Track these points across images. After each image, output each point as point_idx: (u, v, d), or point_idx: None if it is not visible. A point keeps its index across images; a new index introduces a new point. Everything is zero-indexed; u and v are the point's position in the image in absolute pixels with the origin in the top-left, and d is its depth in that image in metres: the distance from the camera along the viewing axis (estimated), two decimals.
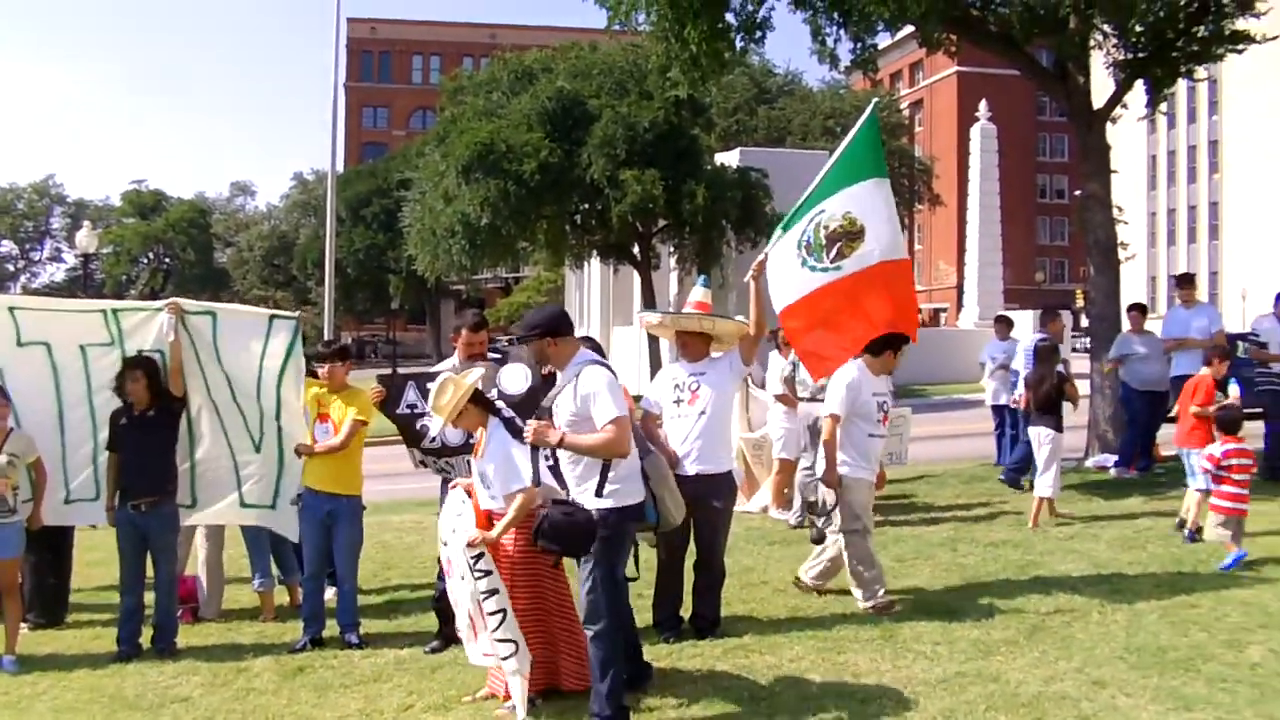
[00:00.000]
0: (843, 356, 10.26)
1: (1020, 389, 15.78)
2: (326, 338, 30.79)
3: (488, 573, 7.09)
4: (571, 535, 6.86)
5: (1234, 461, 10.84)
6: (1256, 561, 10.69)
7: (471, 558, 7.09)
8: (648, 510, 7.55)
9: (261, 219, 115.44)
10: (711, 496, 8.90)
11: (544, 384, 8.52)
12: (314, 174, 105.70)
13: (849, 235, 9.81)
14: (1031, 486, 14.10)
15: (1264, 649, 8.04)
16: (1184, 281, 17.18)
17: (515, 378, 8.36)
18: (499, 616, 7.08)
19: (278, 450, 9.97)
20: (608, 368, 7.26)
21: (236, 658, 9.25)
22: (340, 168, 61.26)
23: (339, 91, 29.62)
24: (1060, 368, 14.00)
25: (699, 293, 9.33)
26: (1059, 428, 13.47)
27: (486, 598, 7.09)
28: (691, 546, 9.09)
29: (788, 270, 9.86)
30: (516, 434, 7.24)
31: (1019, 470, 15.83)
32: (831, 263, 9.80)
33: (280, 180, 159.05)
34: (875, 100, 10.66)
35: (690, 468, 8.81)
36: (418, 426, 9.06)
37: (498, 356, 9.83)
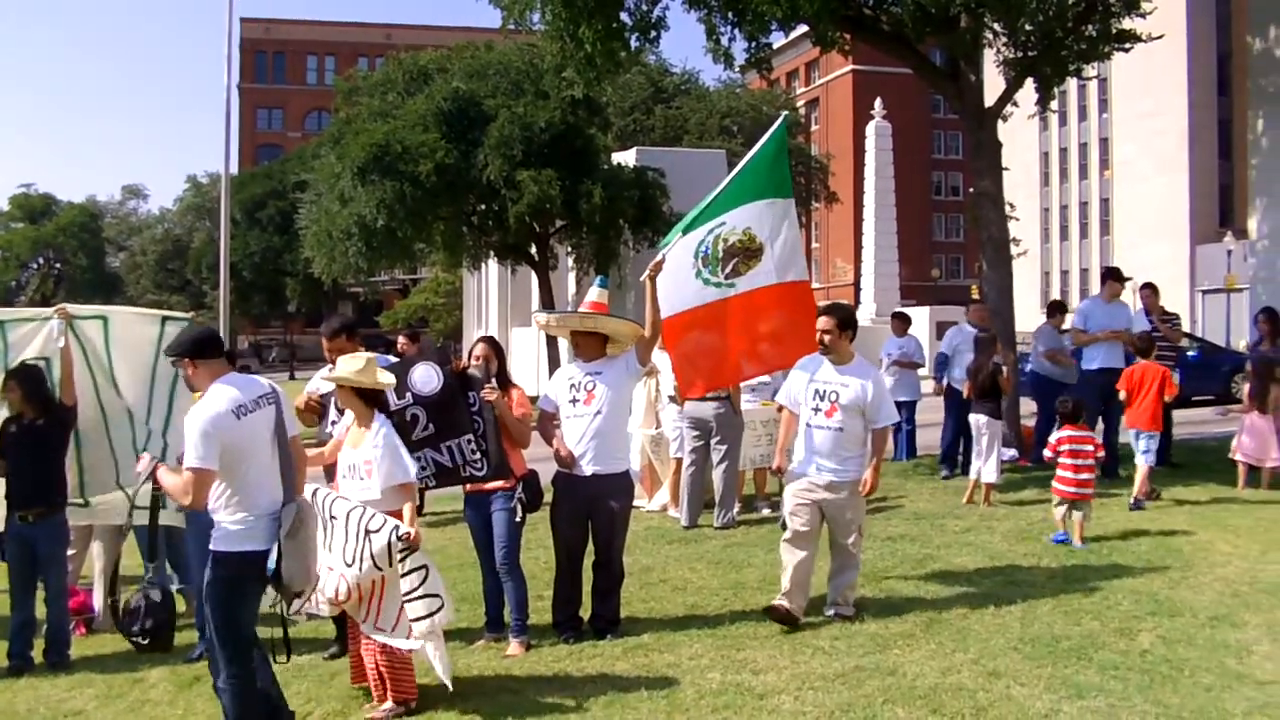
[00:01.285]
0: (715, 378, 10.35)
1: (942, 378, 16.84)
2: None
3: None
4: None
5: (1073, 448, 11.66)
6: (1146, 550, 10.90)
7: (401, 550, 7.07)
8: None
9: (155, 222, 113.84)
10: (608, 496, 8.88)
11: (459, 381, 8.48)
12: (208, 176, 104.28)
13: (746, 252, 9.81)
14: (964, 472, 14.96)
15: (1153, 636, 8.17)
16: (1111, 276, 17.21)
17: (427, 377, 8.32)
18: (420, 574, 7.13)
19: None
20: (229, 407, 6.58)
21: (131, 669, 9.11)
22: (234, 170, 60.63)
23: (232, 93, 29.19)
24: (997, 358, 14.28)
25: (595, 293, 9.30)
26: (998, 414, 13.97)
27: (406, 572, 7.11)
28: (590, 546, 9.06)
29: (681, 278, 9.83)
30: (400, 432, 7.24)
31: (949, 457, 16.46)
32: (725, 279, 9.81)
33: (174, 183, 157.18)
34: (784, 114, 10.70)
35: (587, 468, 8.79)
36: (408, 416, 8.72)
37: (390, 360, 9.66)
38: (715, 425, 13.18)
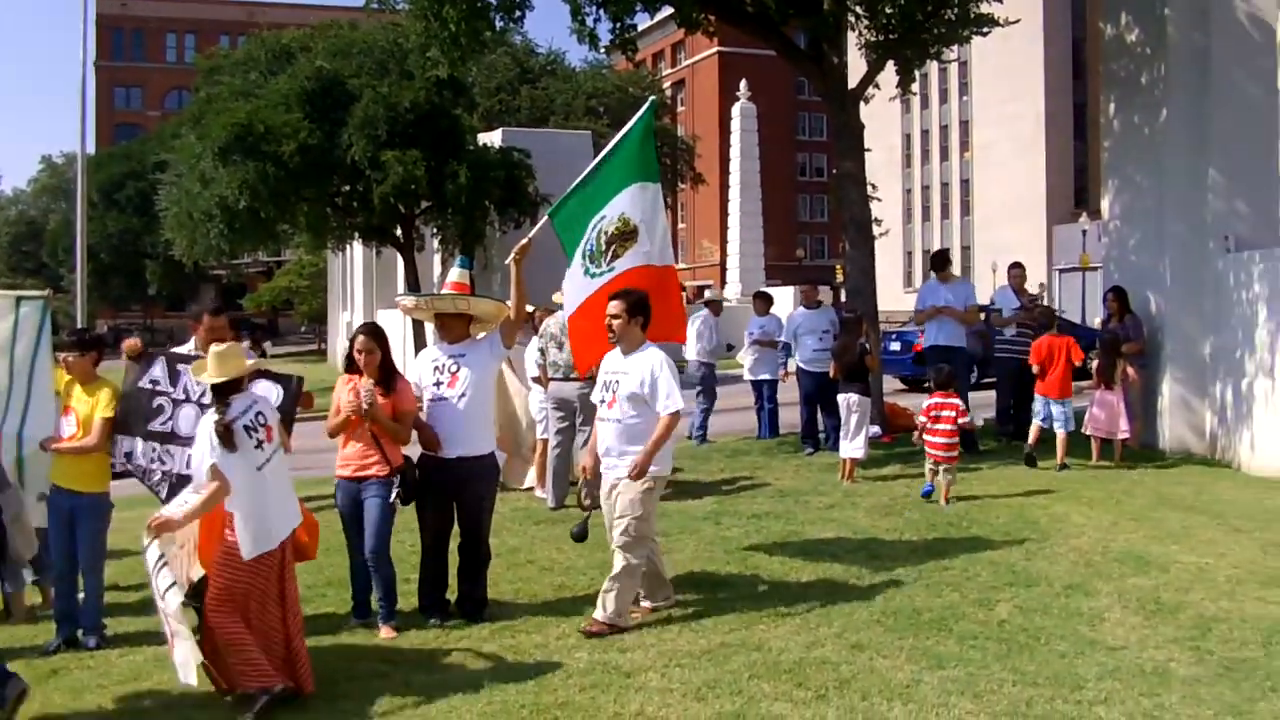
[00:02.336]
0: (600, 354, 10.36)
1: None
2: (79, 326, 29.79)
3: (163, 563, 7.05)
4: None
5: (942, 414, 12.66)
6: (1004, 523, 11.17)
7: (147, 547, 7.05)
8: None
9: (8, 204, 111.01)
10: (473, 479, 8.87)
11: (290, 406, 8.42)
12: (64, 156, 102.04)
13: (623, 236, 9.76)
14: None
15: (1011, 606, 8.40)
16: (939, 262, 17.79)
17: (265, 395, 8.24)
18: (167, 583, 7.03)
19: (16, 442, 9.51)
20: None
21: None
22: (91, 150, 59.36)
23: (89, 70, 28.56)
24: (863, 339, 14.52)
25: (456, 274, 9.25)
26: (866, 392, 14.19)
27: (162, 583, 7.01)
28: (456, 529, 9.05)
29: (577, 281, 9.82)
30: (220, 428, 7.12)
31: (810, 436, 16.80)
32: (608, 265, 9.77)
33: (28, 163, 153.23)
34: (652, 99, 10.64)
35: (451, 450, 8.77)
36: (153, 404, 8.66)
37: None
38: (579, 406, 13.16)
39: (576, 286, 9.85)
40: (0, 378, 9.41)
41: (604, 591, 8.39)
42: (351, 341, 8.75)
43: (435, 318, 9.19)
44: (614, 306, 8.66)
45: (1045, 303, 17.16)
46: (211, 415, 7.19)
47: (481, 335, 9.09)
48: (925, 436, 12.76)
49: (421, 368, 9.07)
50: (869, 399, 14.35)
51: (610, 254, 9.77)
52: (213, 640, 7.14)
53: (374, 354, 8.48)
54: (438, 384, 8.87)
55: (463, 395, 8.77)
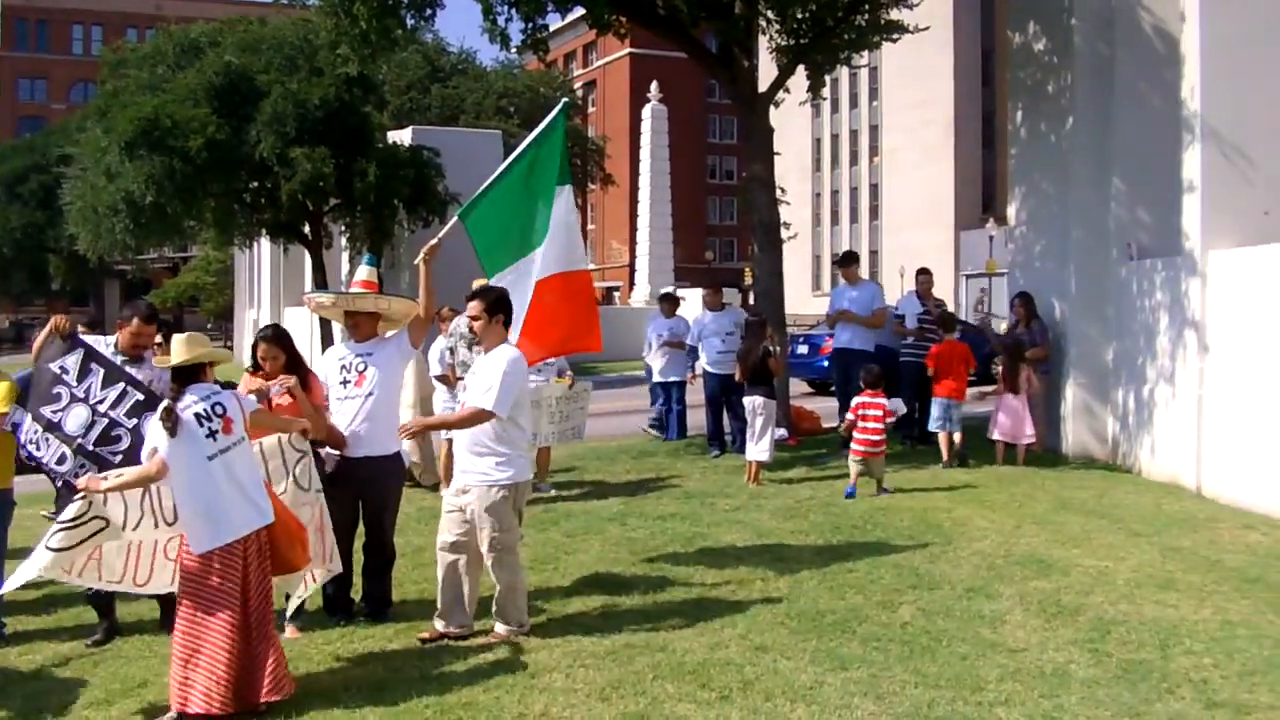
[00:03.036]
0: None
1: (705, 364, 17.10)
2: None
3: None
4: None
5: (869, 412, 13.23)
6: (908, 526, 11.25)
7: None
8: None
9: None
10: (379, 478, 8.80)
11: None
12: None
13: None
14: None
15: (914, 608, 8.46)
16: (845, 260, 17.93)
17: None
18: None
19: None
20: None
21: None
22: None
23: None
24: (767, 342, 14.58)
25: (364, 271, 9.15)
26: (771, 395, 14.27)
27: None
28: (361, 528, 8.97)
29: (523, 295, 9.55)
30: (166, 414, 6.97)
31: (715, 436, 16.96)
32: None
33: None
34: (565, 100, 10.53)
35: (357, 450, 8.68)
36: (53, 391, 8.36)
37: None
38: None
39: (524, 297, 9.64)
40: None
41: (495, 610, 8.33)
42: (254, 347, 8.57)
43: (346, 316, 9.08)
44: (473, 307, 8.52)
45: (950, 309, 17.31)
46: (163, 403, 7.09)
47: (390, 334, 9.00)
48: (854, 434, 13.28)
49: (328, 366, 8.97)
50: (774, 401, 14.42)
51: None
52: (186, 652, 6.95)
53: (279, 360, 8.34)
54: (344, 383, 8.78)
55: (370, 394, 8.70)
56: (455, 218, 9.82)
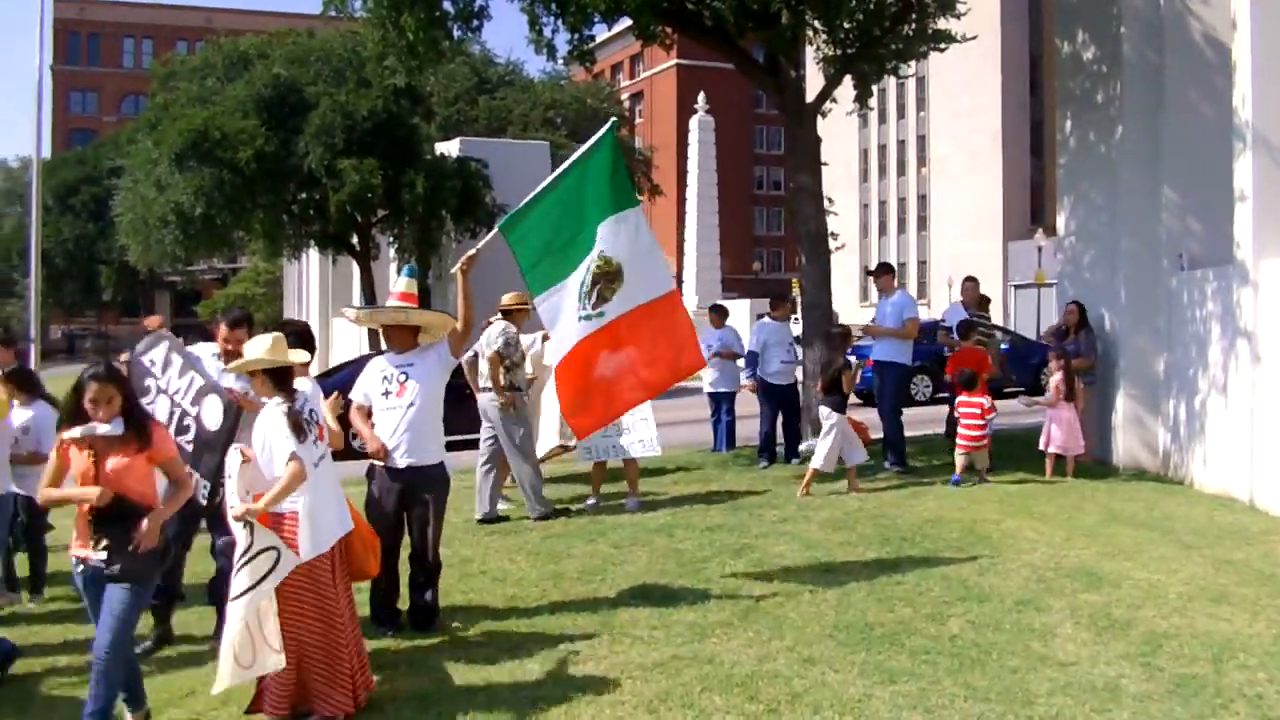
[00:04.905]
0: (605, 412, 10.18)
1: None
2: (31, 332, 29.59)
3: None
4: None
5: (969, 410, 14.29)
6: (956, 538, 11.17)
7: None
8: None
9: None
10: (423, 489, 8.83)
11: (238, 417, 8.28)
12: (18, 160, 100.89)
13: (607, 277, 9.62)
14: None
15: (963, 621, 8.39)
16: (879, 271, 17.82)
17: (213, 412, 8.14)
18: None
19: None
20: None
21: None
22: (46, 154, 58.92)
23: (44, 74, 28.40)
24: (851, 355, 14.71)
25: (403, 283, 9.17)
26: (841, 408, 14.25)
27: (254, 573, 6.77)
28: (406, 539, 9.00)
29: (567, 320, 9.64)
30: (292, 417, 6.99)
31: (766, 449, 16.80)
32: (594, 309, 9.57)
33: None
34: (613, 120, 10.47)
35: (400, 460, 8.71)
36: (144, 383, 8.52)
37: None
38: (494, 417, 13.17)
39: (568, 326, 9.66)
40: None
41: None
42: (79, 389, 6.80)
43: (382, 328, 9.13)
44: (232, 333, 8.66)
45: (988, 319, 17.21)
46: (277, 405, 7.08)
47: (429, 345, 9.01)
48: (958, 430, 14.45)
49: (370, 378, 9.01)
50: (844, 415, 14.33)
51: (596, 295, 9.60)
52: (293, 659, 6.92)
53: (113, 402, 6.80)
54: (386, 394, 8.83)
55: (411, 405, 8.73)
56: (496, 229, 9.83)
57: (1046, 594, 9.09)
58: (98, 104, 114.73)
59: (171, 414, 8.39)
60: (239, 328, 8.94)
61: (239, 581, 6.74)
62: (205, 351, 9.04)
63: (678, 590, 9.60)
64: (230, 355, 8.76)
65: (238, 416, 8.17)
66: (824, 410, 14.27)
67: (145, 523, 6.56)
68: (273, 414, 7.06)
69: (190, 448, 8.20)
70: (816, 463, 14.13)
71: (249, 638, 6.71)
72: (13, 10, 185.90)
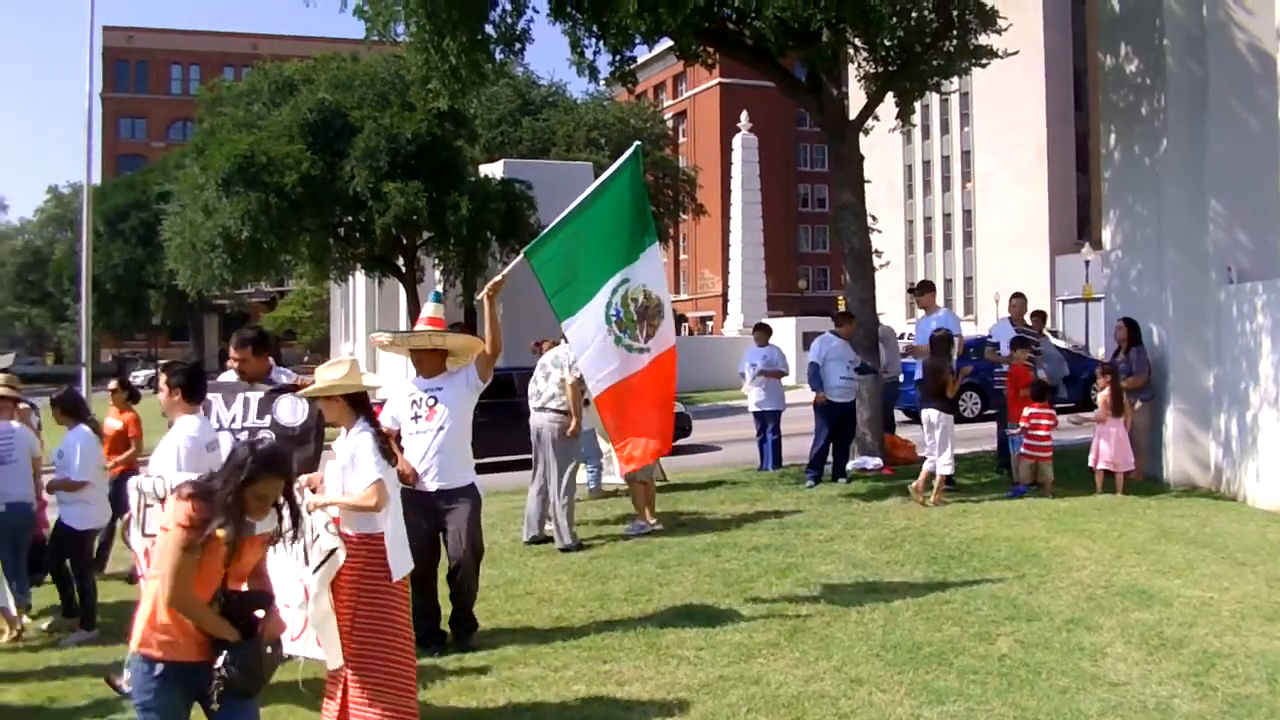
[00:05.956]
0: (657, 450, 10.19)
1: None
2: (82, 355, 29.90)
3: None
4: None
5: (1038, 421, 14.58)
6: (1005, 556, 11.09)
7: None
8: None
9: (14, 233, 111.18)
10: (454, 509, 8.87)
11: (317, 421, 8.38)
12: (69, 186, 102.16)
13: (650, 311, 9.64)
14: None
15: (1011, 640, 8.33)
16: (921, 289, 17.80)
17: (292, 410, 8.23)
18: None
19: None
20: None
21: None
22: (96, 180, 59.39)
23: (94, 101, 28.68)
24: (964, 362, 14.79)
25: (430, 308, 9.18)
26: (948, 410, 14.42)
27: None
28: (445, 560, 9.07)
29: (600, 346, 9.64)
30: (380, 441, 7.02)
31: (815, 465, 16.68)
32: (644, 342, 9.67)
33: (34, 193, 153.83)
34: (636, 145, 10.45)
35: (431, 484, 8.76)
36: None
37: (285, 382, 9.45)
38: (547, 437, 13.11)
39: (605, 352, 9.67)
40: None
41: None
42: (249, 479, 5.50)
43: (410, 353, 9.16)
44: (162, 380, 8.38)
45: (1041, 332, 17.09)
46: (364, 429, 7.06)
47: (458, 369, 9.02)
48: (1025, 440, 14.69)
49: (399, 402, 9.05)
50: (950, 416, 14.49)
51: (646, 330, 9.68)
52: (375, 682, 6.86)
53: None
54: (415, 418, 8.87)
55: (440, 429, 8.76)
56: (521, 254, 9.84)
57: (1097, 612, 9.01)
58: (146, 130, 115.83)
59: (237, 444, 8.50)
60: (245, 348, 9.08)
61: (319, 579, 6.76)
62: (228, 378, 9.21)
63: (724, 610, 9.58)
64: (240, 374, 9.01)
65: (320, 411, 8.24)
66: (933, 414, 14.34)
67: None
68: (361, 438, 7.03)
69: None
70: (946, 469, 14.28)
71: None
72: (64, 40, 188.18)
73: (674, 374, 9.92)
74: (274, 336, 74.88)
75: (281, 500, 5.57)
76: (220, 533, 5.25)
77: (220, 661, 5.24)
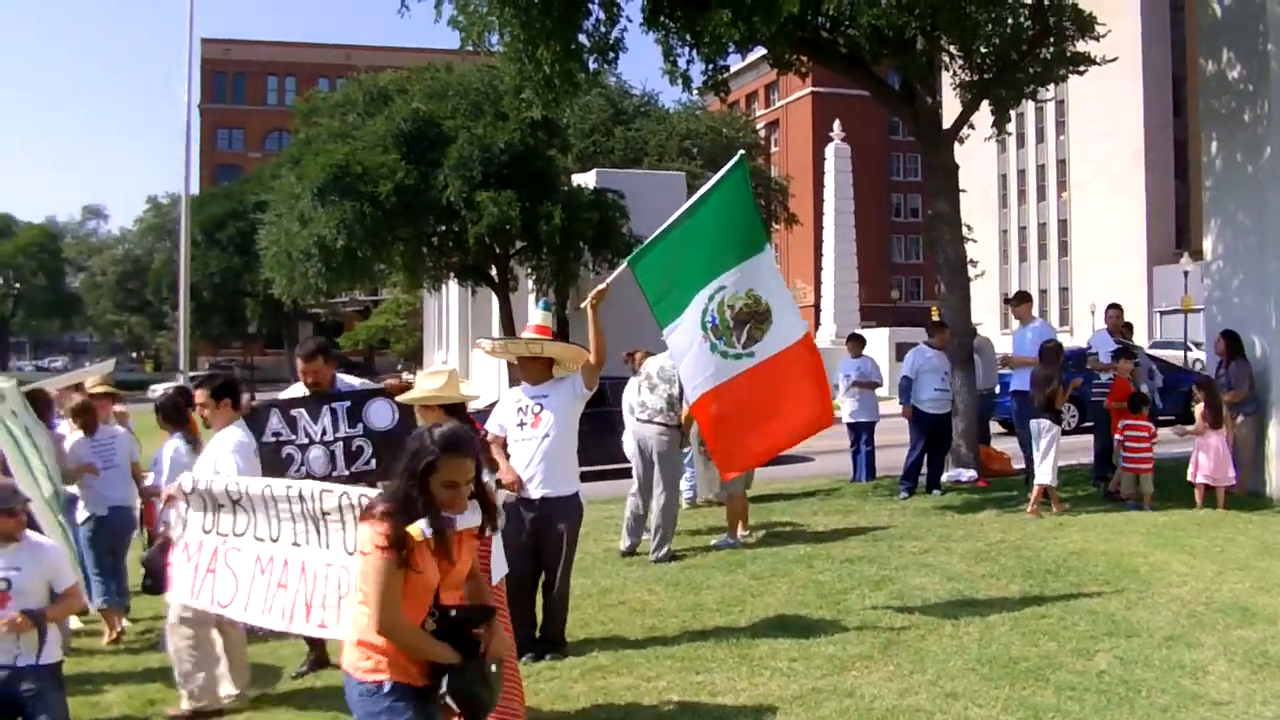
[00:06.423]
0: (757, 453, 10.20)
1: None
2: (180, 364, 30.38)
3: None
4: None
5: (1134, 434, 14.40)
6: (1103, 571, 10.92)
7: None
8: None
9: (114, 243, 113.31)
10: (556, 519, 8.88)
11: (410, 421, 8.44)
12: (168, 196, 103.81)
13: (756, 316, 9.61)
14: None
15: (1110, 656, 8.19)
16: (1017, 300, 17.62)
17: (382, 413, 8.30)
18: None
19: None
20: None
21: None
22: (194, 190, 60.28)
23: (193, 113, 29.17)
24: (1078, 375, 14.85)
25: (538, 316, 9.24)
26: (1058, 420, 14.45)
27: None
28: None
29: (696, 354, 9.66)
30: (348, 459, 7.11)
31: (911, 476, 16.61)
32: (744, 348, 9.63)
33: (134, 203, 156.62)
34: (740, 154, 10.44)
35: (535, 491, 8.79)
36: (282, 455, 8.78)
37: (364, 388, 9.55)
38: (653, 450, 13.08)
39: (702, 363, 9.67)
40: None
41: None
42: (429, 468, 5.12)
43: (518, 361, 9.19)
44: (199, 394, 8.60)
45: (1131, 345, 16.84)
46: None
47: (564, 377, 9.04)
48: (1123, 453, 14.59)
49: (505, 409, 9.11)
50: (1059, 427, 14.47)
51: (745, 335, 9.64)
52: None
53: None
54: (521, 425, 8.91)
55: (546, 436, 8.79)
56: (624, 263, 9.86)
57: (1198, 629, 8.85)
58: (243, 141, 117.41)
59: (333, 455, 8.67)
60: (315, 359, 9.13)
61: None
62: (295, 392, 9.32)
63: (817, 622, 9.51)
64: (314, 385, 9.05)
65: (411, 411, 8.35)
66: (1044, 424, 14.30)
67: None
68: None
69: (371, 464, 8.62)
70: (1045, 479, 14.23)
71: None
72: (163, 53, 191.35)
73: (795, 373, 9.77)
74: (370, 345, 75.78)
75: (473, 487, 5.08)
76: (417, 533, 4.78)
77: (443, 687, 4.84)
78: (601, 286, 9.18)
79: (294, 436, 8.78)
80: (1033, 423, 14.49)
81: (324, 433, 8.78)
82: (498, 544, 7.02)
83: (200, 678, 8.04)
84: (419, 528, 4.78)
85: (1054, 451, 14.19)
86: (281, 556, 7.31)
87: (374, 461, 8.64)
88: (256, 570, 7.38)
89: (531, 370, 9.03)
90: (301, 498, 7.02)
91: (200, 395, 8.49)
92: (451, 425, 5.17)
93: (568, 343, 9.61)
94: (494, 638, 5.09)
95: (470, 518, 5.06)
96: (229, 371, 10.95)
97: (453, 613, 4.98)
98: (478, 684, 4.92)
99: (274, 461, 8.72)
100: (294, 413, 8.83)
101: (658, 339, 10.48)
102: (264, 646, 9.73)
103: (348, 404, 8.85)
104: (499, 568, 7.02)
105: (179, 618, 8.00)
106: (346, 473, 8.61)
